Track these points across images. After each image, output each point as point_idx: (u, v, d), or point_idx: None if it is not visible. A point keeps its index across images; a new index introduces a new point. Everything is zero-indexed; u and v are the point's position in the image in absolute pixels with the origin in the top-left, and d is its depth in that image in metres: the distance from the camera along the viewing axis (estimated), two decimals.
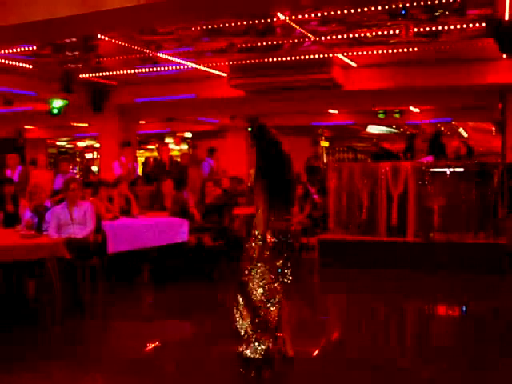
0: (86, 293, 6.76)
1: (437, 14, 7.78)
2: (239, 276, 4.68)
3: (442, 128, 20.63)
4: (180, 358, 5.10)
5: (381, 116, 16.95)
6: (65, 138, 24.92)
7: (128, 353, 5.26)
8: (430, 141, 10.44)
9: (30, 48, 9.39)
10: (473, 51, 10.08)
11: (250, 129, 4.88)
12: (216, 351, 5.18)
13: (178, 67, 11.30)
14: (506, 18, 7.46)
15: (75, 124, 19.01)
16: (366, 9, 7.51)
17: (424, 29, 8.59)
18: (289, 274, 4.72)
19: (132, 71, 11.76)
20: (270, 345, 4.55)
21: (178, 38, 9.13)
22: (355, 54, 10.44)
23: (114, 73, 12.03)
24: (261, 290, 4.57)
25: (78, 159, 27.05)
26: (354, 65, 11.39)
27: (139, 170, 12.47)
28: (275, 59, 10.76)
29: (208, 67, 11.52)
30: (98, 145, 19.39)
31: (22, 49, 9.41)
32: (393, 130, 21.68)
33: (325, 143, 22.09)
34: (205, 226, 8.71)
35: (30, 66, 10.89)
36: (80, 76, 12.12)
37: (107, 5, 6.01)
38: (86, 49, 9.83)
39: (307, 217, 10.49)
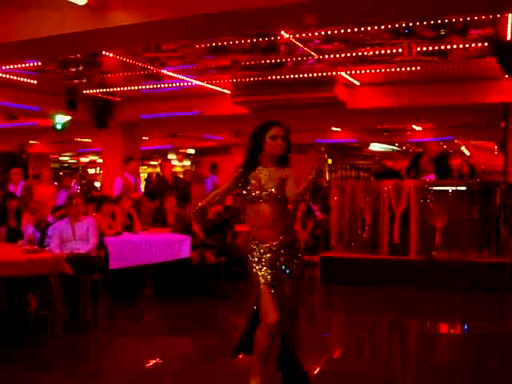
0: (87, 308, 6.74)
1: (442, 33, 7.83)
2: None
3: (445, 146, 20.66)
4: (180, 375, 5.07)
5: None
6: (68, 153, 24.99)
7: (128, 369, 5.22)
8: (435, 162, 10.42)
9: (35, 63, 9.46)
10: (475, 70, 10.12)
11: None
12: (216, 368, 5.14)
13: (181, 84, 11.37)
14: (508, 38, 7.53)
15: (78, 139, 19.07)
16: (369, 28, 7.57)
17: (427, 48, 8.65)
18: None
19: (136, 87, 11.83)
20: None
21: (182, 55, 9.20)
22: (358, 72, 10.50)
23: (118, 89, 12.10)
24: None
25: (83, 174, 27.03)
26: (357, 83, 11.44)
27: (142, 186, 12.46)
28: (278, 77, 10.82)
29: (212, 84, 11.58)
30: (100, 160, 19.44)
31: (27, 64, 9.49)
32: (395, 147, 21.72)
33: (329, 160, 22.14)
34: (207, 242, 8.71)
35: (35, 82, 10.95)
36: (84, 92, 12.20)
37: (115, 22, 6.07)
38: (90, 65, 9.90)
39: (309, 234, 10.49)
